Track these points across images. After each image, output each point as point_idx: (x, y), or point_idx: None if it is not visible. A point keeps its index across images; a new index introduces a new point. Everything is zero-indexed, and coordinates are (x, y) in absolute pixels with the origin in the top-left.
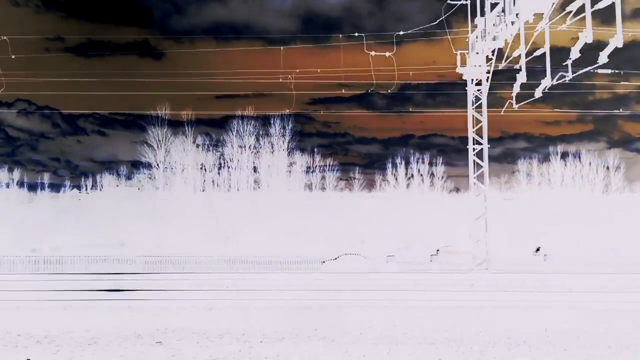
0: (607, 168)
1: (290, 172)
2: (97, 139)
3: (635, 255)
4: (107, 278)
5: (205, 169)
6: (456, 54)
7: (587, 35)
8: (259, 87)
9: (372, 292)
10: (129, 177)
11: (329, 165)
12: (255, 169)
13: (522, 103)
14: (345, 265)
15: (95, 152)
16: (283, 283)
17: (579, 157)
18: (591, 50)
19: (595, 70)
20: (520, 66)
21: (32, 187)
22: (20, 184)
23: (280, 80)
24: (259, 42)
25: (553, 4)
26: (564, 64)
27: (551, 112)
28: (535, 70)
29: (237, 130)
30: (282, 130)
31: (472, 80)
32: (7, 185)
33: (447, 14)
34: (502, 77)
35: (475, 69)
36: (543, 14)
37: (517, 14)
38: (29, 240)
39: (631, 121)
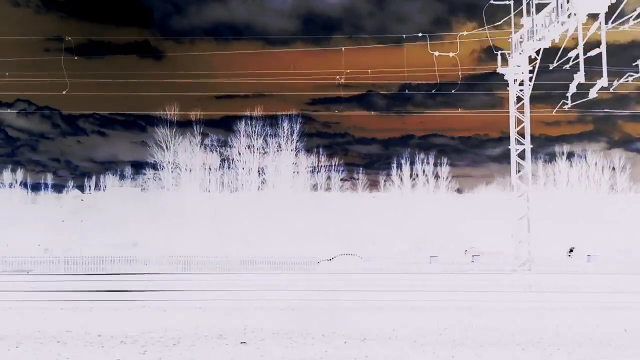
0: (613, 168)
1: (297, 172)
2: (97, 139)
3: None
4: (158, 279)
5: (212, 169)
6: (496, 54)
7: None
8: (266, 87)
9: (446, 293)
10: (133, 178)
11: (335, 165)
12: (261, 170)
13: (577, 102)
14: (340, 266)
15: (95, 153)
16: (344, 283)
17: (585, 158)
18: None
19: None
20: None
21: (35, 188)
22: (24, 184)
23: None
24: (260, 42)
25: (609, 4)
26: (634, 64)
27: (550, 113)
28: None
29: (244, 130)
30: (290, 131)
31: (515, 80)
32: (10, 186)
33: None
34: (499, 78)
35: (517, 69)
36: (598, 14)
37: (568, 15)
38: (40, 240)
39: (631, 121)
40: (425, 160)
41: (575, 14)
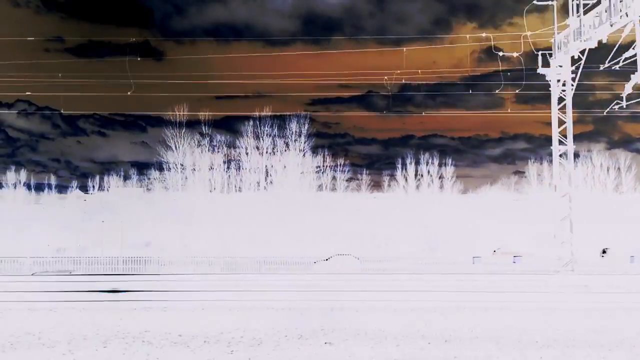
0: (618, 169)
1: (303, 173)
2: (97, 140)
3: None
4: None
5: (218, 169)
6: (537, 54)
7: None
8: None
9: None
10: (139, 178)
11: (340, 165)
12: (267, 171)
13: (632, 102)
14: (337, 266)
15: (95, 153)
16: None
17: (590, 158)
18: None
19: None
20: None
21: (38, 188)
22: (27, 185)
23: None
24: (260, 42)
25: None
26: None
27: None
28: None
29: (251, 131)
30: (297, 132)
31: (558, 80)
32: (14, 186)
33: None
34: (498, 79)
35: (560, 69)
36: None
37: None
38: (54, 240)
39: (631, 122)
40: (430, 161)
41: (627, 14)
